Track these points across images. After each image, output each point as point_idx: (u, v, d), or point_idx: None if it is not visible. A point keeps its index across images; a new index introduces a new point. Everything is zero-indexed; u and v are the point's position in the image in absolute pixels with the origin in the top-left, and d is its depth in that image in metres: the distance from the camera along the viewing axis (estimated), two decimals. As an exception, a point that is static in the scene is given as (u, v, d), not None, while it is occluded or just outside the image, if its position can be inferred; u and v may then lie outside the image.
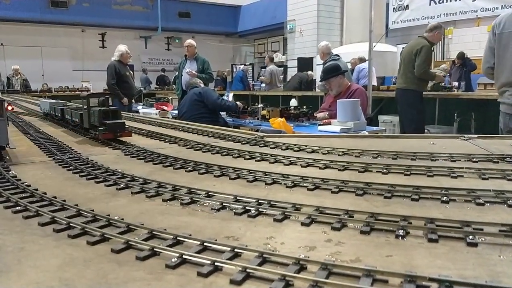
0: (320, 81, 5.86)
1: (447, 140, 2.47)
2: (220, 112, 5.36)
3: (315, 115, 4.77)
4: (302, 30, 15.43)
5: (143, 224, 1.06)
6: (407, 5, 13.12)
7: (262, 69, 14.87)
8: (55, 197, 1.33)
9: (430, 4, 12.46)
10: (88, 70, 10.66)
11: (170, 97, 9.06)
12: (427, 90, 6.45)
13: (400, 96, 6.19)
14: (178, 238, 0.97)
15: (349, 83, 4.87)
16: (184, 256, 0.87)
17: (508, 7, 10.43)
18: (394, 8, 13.51)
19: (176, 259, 0.87)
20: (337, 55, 6.67)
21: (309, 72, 11.72)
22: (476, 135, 2.47)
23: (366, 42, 7.02)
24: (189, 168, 1.78)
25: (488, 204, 1.21)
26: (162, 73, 18.46)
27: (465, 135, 2.47)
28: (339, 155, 2.03)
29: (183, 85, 7.00)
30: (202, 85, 5.53)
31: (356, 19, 12.92)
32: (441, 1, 12.12)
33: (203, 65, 7.06)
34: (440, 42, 12.66)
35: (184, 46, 7.20)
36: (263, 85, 12.75)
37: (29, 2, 16.27)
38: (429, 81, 6.37)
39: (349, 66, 9.98)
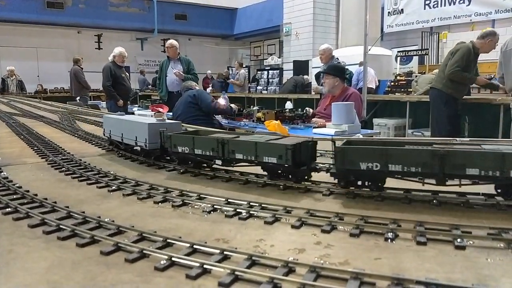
0: (322, 72, 5.67)
1: (440, 143, 2.48)
2: (215, 115, 5.35)
3: (310, 116, 4.78)
4: (298, 33, 15.47)
5: (133, 226, 1.06)
6: (402, 9, 13.19)
7: (231, 73, 15.48)
8: (46, 199, 1.32)
9: (424, 8, 12.53)
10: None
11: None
12: (458, 94, 5.53)
13: (430, 95, 5.88)
14: (168, 240, 0.97)
15: (345, 87, 4.88)
16: (173, 259, 0.88)
17: (501, 12, 10.51)
18: (389, 12, 13.58)
19: (165, 262, 0.87)
20: (337, 58, 6.68)
21: (305, 76, 11.76)
22: (468, 139, 2.49)
23: (362, 45, 7.05)
24: (182, 170, 1.78)
25: (478, 207, 1.21)
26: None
27: (458, 138, 2.49)
28: (331, 157, 2.03)
29: (168, 86, 6.96)
30: (196, 87, 5.52)
31: (351, 22, 12.97)
32: (435, 6, 12.20)
33: (188, 66, 6.99)
34: (434, 46, 12.76)
35: (166, 47, 7.15)
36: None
37: (24, 3, 16.19)
38: (463, 85, 5.55)
39: (357, 67, 10.14)
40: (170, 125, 1.97)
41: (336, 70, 4.91)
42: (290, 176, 1.49)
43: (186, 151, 1.69)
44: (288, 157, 1.39)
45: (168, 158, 1.95)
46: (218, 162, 1.67)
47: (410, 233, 1.00)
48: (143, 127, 1.91)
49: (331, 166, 1.42)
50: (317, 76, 6.47)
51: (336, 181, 1.41)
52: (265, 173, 1.57)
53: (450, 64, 5.37)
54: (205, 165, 1.77)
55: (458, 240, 0.95)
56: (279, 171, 1.51)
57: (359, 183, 1.35)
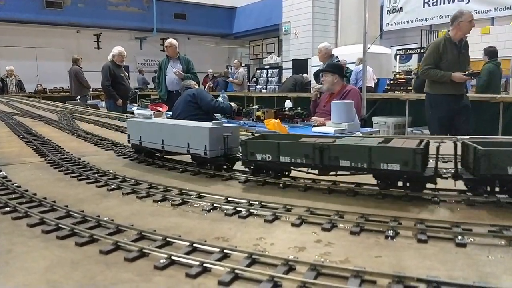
0: (319, 71, 5.56)
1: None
2: (215, 114, 5.35)
3: (310, 117, 4.78)
4: (297, 31, 15.46)
5: (133, 225, 1.06)
6: (401, 8, 13.20)
7: (231, 72, 15.48)
8: (45, 198, 1.32)
9: (423, 7, 12.55)
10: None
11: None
12: (450, 91, 4.92)
13: None
14: (167, 239, 0.97)
15: (344, 84, 4.89)
16: (172, 257, 0.87)
17: (500, 9, 10.51)
18: (388, 10, 13.58)
19: (164, 260, 0.86)
20: (337, 56, 6.68)
21: (305, 75, 11.76)
22: (468, 137, 2.48)
23: (361, 44, 7.05)
24: (181, 169, 1.77)
25: (478, 205, 1.21)
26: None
27: (458, 137, 2.48)
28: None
29: (168, 85, 6.95)
30: (196, 86, 5.52)
31: (350, 21, 12.98)
32: (434, 4, 12.21)
33: (187, 65, 6.97)
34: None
35: (165, 46, 7.13)
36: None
37: (23, 2, 16.16)
38: (446, 83, 4.86)
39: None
40: (231, 129, 1.70)
41: (335, 68, 4.92)
42: (408, 185, 1.28)
43: (267, 159, 1.45)
44: (416, 163, 1.19)
45: (226, 166, 1.70)
46: (312, 171, 1.44)
47: (411, 231, 1.00)
48: (202, 132, 1.63)
49: (459, 171, 1.27)
50: (316, 75, 6.47)
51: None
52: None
53: (420, 65, 5.09)
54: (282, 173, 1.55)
55: (459, 237, 0.95)
56: (402, 179, 1.28)
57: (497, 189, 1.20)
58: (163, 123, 1.94)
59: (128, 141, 2.08)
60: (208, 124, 1.70)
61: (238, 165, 1.66)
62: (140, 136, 1.95)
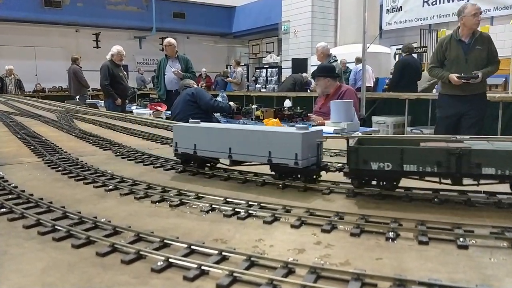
0: (312, 76, 5.60)
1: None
2: (214, 113, 5.34)
3: (309, 115, 4.77)
4: (296, 31, 15.45)
5: (130, 227, 1.04)
6: (401, 7, 13.17)
7: (230, 72, 15.42)
8: (41, 199, 1.30)
9: (423, 6, 12.52)
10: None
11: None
12: (457, 91, 4.60)
13: None
14: (165, 241, 0.95)
15: (339, 84, 4.88)
16: (170, 260, 0.86)
17: (500, 9, 10.50)
18: (387, 9, 13.55)
19: (162, 263, 0.85)
20: (335, 56, 6.67)
21: (304, 74, 11.75)
22: (468, 136, 2.47)
23: (360, 43, 7.05)
24: (179, 169, 1.76)
25: (479, 206, 1.20)
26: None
27: (457, 136, 2.47)
28: (331, 156, 2.02)
29: (167, 84, 6.94)
30: (195, 85, 5.51)
31: (350, 20, 12.98)
32: (434, 3, 12.18)
33: (186, 64, 6.98)
34: (433, 44, 12.74)
35: (164, 45, 7.12)
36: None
37: (22, 1, 16.14)
38: (450, 83, 4.59)
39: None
40: (318, 134, 1.49)
41: (325, 71, 4.91)
42: None
43: (387, 168, 1.24)
44: None
45: (316, 177, 1.47)
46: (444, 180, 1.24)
47: (412, 232, 0.99)
48: (292, 138, 1.39)
49: None
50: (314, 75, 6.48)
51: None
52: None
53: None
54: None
55: (461, 239, 0.93)
56: None
57: None
58: (232, 128, 1.68)
59: (175, 150, 1.76)
60: (296, 129, 1.45)
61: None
62: (195, 144, 1.68)
